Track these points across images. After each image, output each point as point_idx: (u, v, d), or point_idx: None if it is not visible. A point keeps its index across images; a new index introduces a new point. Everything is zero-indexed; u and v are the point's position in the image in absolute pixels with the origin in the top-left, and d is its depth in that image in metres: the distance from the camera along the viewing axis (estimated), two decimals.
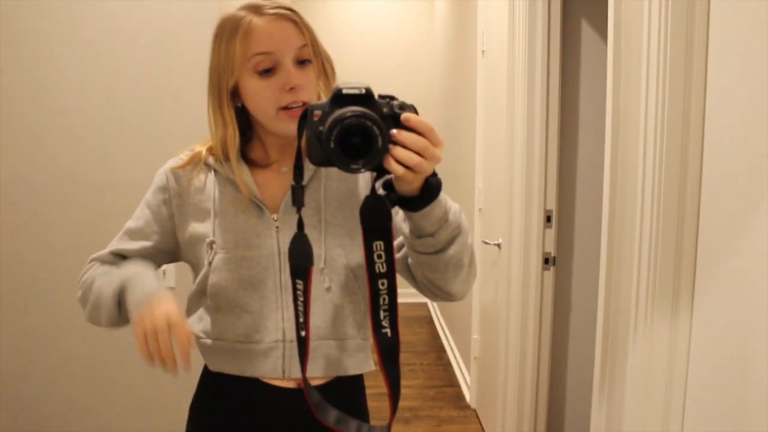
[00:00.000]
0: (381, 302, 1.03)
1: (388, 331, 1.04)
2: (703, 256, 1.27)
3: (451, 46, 4.60)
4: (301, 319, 1.07)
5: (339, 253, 1.16)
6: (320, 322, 1.17)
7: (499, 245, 2.90)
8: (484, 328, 3.37)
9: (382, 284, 1.02)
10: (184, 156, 1.23)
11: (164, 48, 2.19)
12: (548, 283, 2.61)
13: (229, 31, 1.11)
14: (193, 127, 2.08)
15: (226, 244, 1.16)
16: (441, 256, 1.05)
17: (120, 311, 1.12)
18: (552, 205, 2.55)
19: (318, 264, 1.15)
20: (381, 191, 1.01)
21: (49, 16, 2.14)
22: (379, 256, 1.01)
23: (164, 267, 2.16)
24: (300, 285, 1.05)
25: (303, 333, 1.07)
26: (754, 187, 1.09)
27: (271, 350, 1.17)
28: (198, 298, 1.20)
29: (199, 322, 1.20)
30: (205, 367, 1.25)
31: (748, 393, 1.11)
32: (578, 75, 2.57)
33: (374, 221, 1.00)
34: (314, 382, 1.16)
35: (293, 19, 1.12)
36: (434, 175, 0.98)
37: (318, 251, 1.15)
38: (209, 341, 1.19)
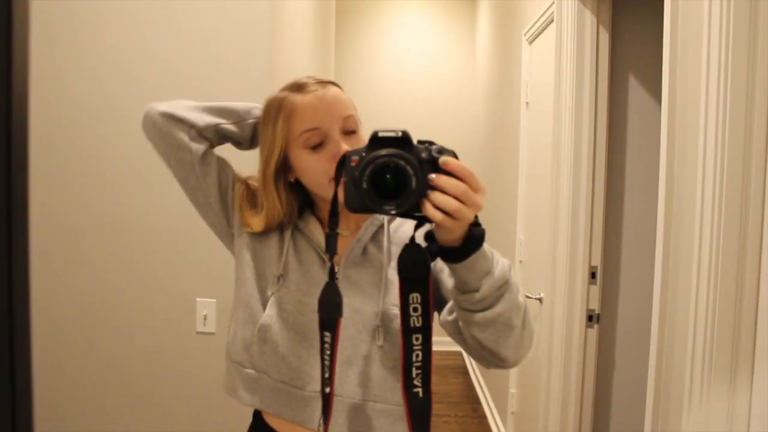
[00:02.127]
0: (414, 358, 1.00)
1: (420, 390, 1.01)
2: (764, 324, 1.22)
3: (493, 95, 4.60)
4: (327, 375, 1.03)
5: (396, 313, 1.13)
6: (371, 381, 1.14)
7: (540, 299, 2.84)
8: (523, 382, 3.29)
9: (416, 339, 0.99)
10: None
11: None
12: (591, 341, 2.54)
13: (275, 113, 1.15)
14: None
15: (289, 284, 1.16)
16: (488, 313, 1.00)
17: None
18: (597, 261, 2.50)
19: (374, 321, 1.14)
20: (422, 242, 0.98)
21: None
22: (415, 309, 0.99)
23: (205, 312, 2.19)
24: (327, 337, 1.02)
25: (327, 390, 1.03)
26: None
27: (312, 399, 1.14)
28: (245, 320, 1.19)
29: (246, 351, 1.18)
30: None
31: None
32: (625, 129, 2.54)
33: (412, 271, 0.98)
34: None
35: (336, 90, 1.16)
36: (477, 224, 0.95)
37: (376, 308, 1.14)
38: (254, 373, 1.17)
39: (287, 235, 1.21)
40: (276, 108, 1.15)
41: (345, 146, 1.10)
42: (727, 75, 1.27)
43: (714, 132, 1.30)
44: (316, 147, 1.12)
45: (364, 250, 1.19)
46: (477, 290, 0.98)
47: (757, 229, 1.24)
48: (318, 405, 1.13)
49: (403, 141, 0.90)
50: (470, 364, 5.29)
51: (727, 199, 1.27)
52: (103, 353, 2.24)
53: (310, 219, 1.22)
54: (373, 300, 1.12)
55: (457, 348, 5.81)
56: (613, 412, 2.63)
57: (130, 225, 2.21)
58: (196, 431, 2.23)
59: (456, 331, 1.10)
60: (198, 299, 2.20)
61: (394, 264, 1.14)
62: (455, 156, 0.92)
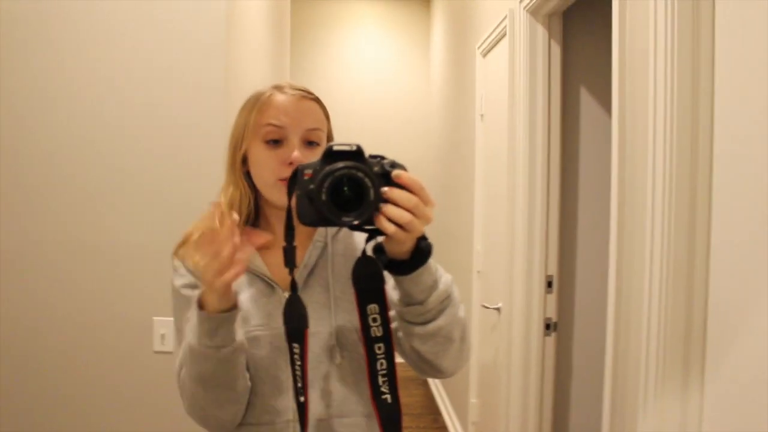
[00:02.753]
0: (379, 367, 1.02)
1: (389, 397, 1.03)
2: (714, 329, 1.26)
3: (448, 107, 4.66)
4: (300, 384, 1.03)
5: (350, 328, 1.14)
6: (336, 399, 1.14)
7: (498, 309, 2.88)
8: (483, 392, 3.32)
9: (379, 348, 1.01)
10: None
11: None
12: (549, 349, 2.58)
13: (252, 102, 1.17)
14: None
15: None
16: (429, 326, 1.03)
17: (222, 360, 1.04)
18: (553, 270, 2.54)
19: (329, 341, 1.14)
20: (371, 254, 1.00)
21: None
22: (374, 320, 1.00)
23: (163, 331, 2.15)
24: (297, 348, 1.02)
25: (302, 399, 1.03)
26: (764, 261, 1.08)
27: (283, 430, 1.13)
28: None
29: None
30: None
31: None
32: (578, 140, 2.60)
33: (367, 283, 1.00)
34: None
35: (312, 103, 1.18)
36: (424, 238, 0.98)
37: (329, 329, 1.14)
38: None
39: None
40: (254, 98, 1.17)
41: (297, 153, 1.11)
42: (672, 85, 1.31)
43: (662, 140, 1.34)
44: (273, 143, 1.13)
45: (310, 272, 1.18)
46: (421, 303, 1.01)
47: (704, 238, 1.28)
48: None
49: (357, 155, 0.91)
50: None
51: (676, 206, 1.31)
52: (53, 374, 2.17)
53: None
54: (325, 320, 1.12)
55: None
56: (572, 417, 2.67)
57: (84, 242, 2.16)
58: None
59: (396, 342, 1.11)
60: (155, 318, 2.16)
61: (340, 280, 1.17)
62: (405, 170, 0.93)
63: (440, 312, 1.03)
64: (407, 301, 1.01)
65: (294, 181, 0.95)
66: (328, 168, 0.89)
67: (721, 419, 1.22)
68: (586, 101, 2.59)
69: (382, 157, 0.94)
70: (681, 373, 1.31)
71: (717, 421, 1.23)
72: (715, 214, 1.26)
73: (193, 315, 1.02)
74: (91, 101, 2.14)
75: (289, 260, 1.00)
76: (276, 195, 1.13)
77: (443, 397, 4.64)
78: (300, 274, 1.16)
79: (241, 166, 1.17)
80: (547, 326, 2.55)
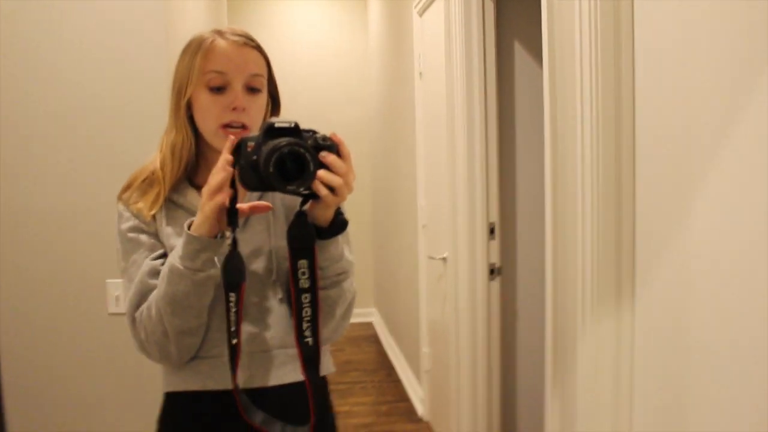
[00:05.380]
0: (304, 314, 1.13)
1: (310, 340, 1.14)
2: (641, 253, 1.39)
3: (387, 68, 4.71)
4: (233, 328, 1.12)
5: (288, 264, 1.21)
6: (276, 332, 1.23)
7: (444, 259, 2.99)
8: (434, 341, 3.45)
9: (305, 298, 1.13)
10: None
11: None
12: (495, 293, 2.71)
13: (194, 47, 1.20)
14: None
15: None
16: (320, 293, 1.16)
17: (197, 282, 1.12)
18: (494, 218, 2.66)
19: (270, 277, 1.23)
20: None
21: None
22: (303, 273, 1.12)
23: (117, 293, 2.18)
24: (233, 297, 1.11)
25: (234, 341, 1.12)
26: (684, 186, 1.20)
27: (216, 359, 1.22)
28: None
29: None
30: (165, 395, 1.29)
31: (689, 379, 1.21)
32: (513, 91, 2.71)
33: (301, 242, 1.12)
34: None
35: (253, 50, 1.23)
36: (341, 213, 1.15)
37: (270, 265, 1.23)
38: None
39: (163, 212, 1.24)
40: (197, 43, 1.19)
41: (241, 99, 1.18)
42: (597, 31, 1.41)
43: (588, 84, 1.45)
44: (216, 90, 1.18)
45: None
46: (321, 269, 1.16)
47: (630, 167, 1.40)
48: (225, 361, 1.19)
49: (295, 130, 1.06)
50: (382, 332, 5.44)
51: (603, 142, 1.42)
52: (7, 338, 2.19)
53: (187, 191, 1.25)
54: (264, 255, 1.23)
55: (369, 318, 5.97)
56: (519, 356, 2.82)
57: (34, 207, 2.17)
58: (110, 414, 2.25)
59: None
60: (108, 280, 2.19)
61: (280, 220, 1.26)
62: (336, 143, 1.09)
63: (334, 284, 1.19)
64: None
65: (238, 153, 1.07)
66: (273, 143, 1.02)
67: (650, 333, 1.36)
68: (520, 54, 2.70)
69: (314, 132, 1.09)
70: (614, 296, 1.44)
71: (646, 335, 1.37)
72: (639, 142, 1.37)
73: (181, 240, 1.11)
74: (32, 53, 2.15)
75: (232, 221, 1.10)
76: (218, 140, 1.19)
77: (395, 350, 4.78)
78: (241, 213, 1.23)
79: (185, 111, 1.21)
80: (491, 271, 2.68)
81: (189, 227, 1.10)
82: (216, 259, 1.13)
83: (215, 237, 1.10)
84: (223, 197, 1.05)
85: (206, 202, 1.06)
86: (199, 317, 1.16)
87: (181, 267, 1.10)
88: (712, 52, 1.11)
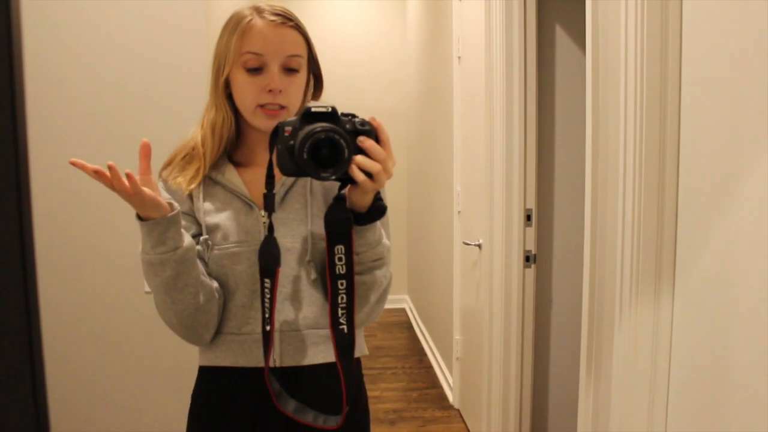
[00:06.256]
0: (339, 301, 1.12)
1: (345, 327, 1.13)
2: (683, 243, 1.35)
3: (426, 52, 4.67)
4: (267, 315, 1.12)
5: (323, 236, 1.20)
6: (308, 313, 1.23)
7: (479, 245, 2.96)
8: (466, 328, 3.43)
9: (341, 284, 1.12)
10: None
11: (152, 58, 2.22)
12: (530, 281, 2.68)
13: (232, 26, 1.19)
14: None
15: (218, 241, 1.21)
16: (356, 278, 1.15)
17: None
18: (531, 204, 2.63)
19: (305, 257, 1.22)
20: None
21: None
22: (340, 259, 1.11)
23: None
24: (267, 283, 1.11)
25: (268, 328, 1.13)
26: (728, 177, 1.16)
27: (247, 335, 1.22)
28: None
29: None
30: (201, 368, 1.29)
31: (729, 379, 1.18)
32: (554, 77, 2.66)
33: (338, 226, 1.10)
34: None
35: (291, 29, 1.20)
36: (380, 199, 1.13)
37: (305, 245, 1.22)
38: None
39: (201, 189, 1.25)
40: (235, 22, 1.19)
41: (277, 81, 1.17)
42: (643, 16, 1.37)
43: (633, 71, 1.40)
44: (253, 71, 1.18)
45: (288, 190, 1.25)
46: (358, 254, 1.15)
47: (674, 156, 1.35)
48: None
49: (332, 116, 1.05)
50: (414, 318, 5.43)
51: (647, 130, 1.38)
52: (48, 319, 2.23)
53: (226, 168, 1.25)
54: (300, 236, 1.22)
55: (402, 305, 5.97)
56: (553, 345, 2.78)
57: (76, 188, 2.21)
58: (149, 388, 2.29)
59: None
60: None
61: (318, 200, 1.25)
62: (375, 127, 1.07)
63: (369, 269, 1.18)
64: None
65: (275, 137, 1.06)
66: (308, 129, 1.01)
67: (690, 325, 1.32)
68: (561, 38, 2.64)
69: (354, 116, 1.07)
70: (653, 286, 1.40)
71: (686, 327, 1.33)
72: (684, 133, 1.33)
73: (142, 236, 1.11)
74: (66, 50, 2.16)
75: (269, 205, 1.10)
76: (256, 120, 1.20)
77: (428, 338, 4.77)
78: (278, 192, 1.23)
79: (224, 90, 1.21)
80: (527, 258, 2.65)
81: (140, 218, 1.10)
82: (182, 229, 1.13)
83: (169, 213, 1.09)
84: (125, 186, 1.03)
85: (135, 206, 1.07)
86: (198, 292, 1.16)
87: (158, 255, 1.10)
88: (761, 43, 1.07)
